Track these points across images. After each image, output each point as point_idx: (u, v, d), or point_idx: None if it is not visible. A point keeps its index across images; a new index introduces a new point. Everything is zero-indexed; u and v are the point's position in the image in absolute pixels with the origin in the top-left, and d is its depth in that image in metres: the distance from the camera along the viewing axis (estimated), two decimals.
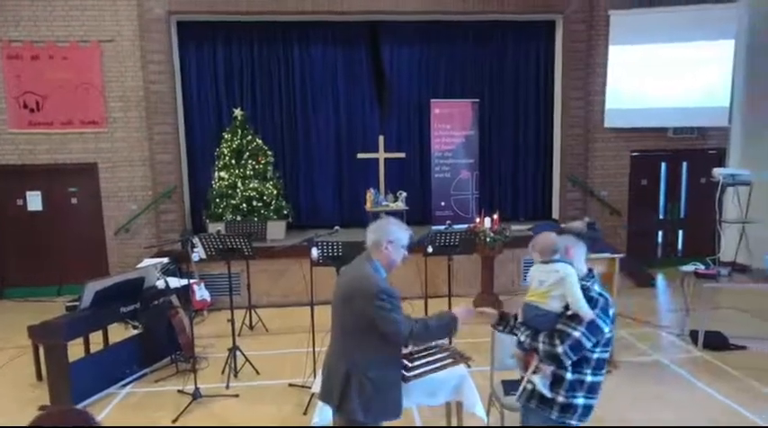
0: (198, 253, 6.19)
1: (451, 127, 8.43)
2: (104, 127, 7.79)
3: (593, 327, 2.45)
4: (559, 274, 2.53)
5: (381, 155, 8.10)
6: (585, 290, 2.53)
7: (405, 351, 2.99)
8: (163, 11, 7.64)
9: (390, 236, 2.63)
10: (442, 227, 5.86)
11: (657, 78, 8.20)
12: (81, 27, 7.63)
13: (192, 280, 6.12)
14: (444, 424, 3.72)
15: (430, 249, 5.24)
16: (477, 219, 6.97)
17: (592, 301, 2.49)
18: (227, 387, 4.71)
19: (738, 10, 8.03)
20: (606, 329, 2.49)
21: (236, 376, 4.93)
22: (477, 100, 8.59)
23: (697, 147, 8.68)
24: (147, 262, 6.24)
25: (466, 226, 6.84)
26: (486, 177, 8.95)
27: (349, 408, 2.54)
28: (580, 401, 2.51)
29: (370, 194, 7.89)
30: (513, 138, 9.06)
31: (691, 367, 4.98)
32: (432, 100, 8.46)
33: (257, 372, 5.02)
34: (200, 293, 6.64)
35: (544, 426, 2.59)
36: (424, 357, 3.19)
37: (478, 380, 3.95)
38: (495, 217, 6.77)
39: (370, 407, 2.54)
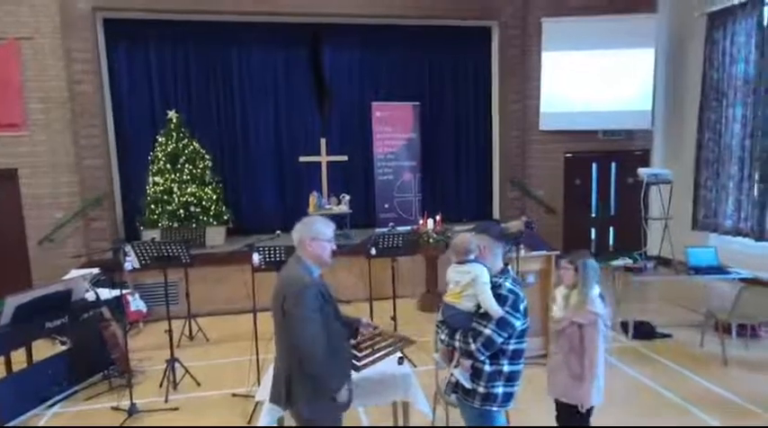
0: (131, 261, 5.88)
1: (393, 129, 8.50)
2: (24, 130, 7.27)
3: (502, 324, 2.61)
4: (470, 275, 2.66)
5: (324, 158, 8.04)
6: (497, 288, 2.66)
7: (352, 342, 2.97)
8: (87, 7, 7.23)
9: (311, 233, 2.63)
10: (386, 229, 5.88)
11: (587, 83, 8.62)
12: None
13: (125, 291, 5.83)
14: (391, 424, 3.72)
15: (373, 251, 5.25)
16: (421, 221, 7.06)
17: (501, 299, 2.63)
18: (166, 400, 4.51)
19: (657, 20, 8.61)
20: (517, 323, 2.64)
21: (175, 388, 4.72)
22: (418, 103, 8.71)
23: (624, 148, 9.19)
24: (75, 273, 5.88)
25: (409, 227, 6.90)
26: (429, 179, 9.09)
27: (296, 407, 2.58)
28: (500, 390, 2.69)
29: (313, 198, 7.81)
30: (455, 141, 9.26)
31: (622, 355, 5.24)
32: (373, 103, 8.49)
33: (198, 384, 4.83)
34: (135, 304, 6.33)
35: (487, 427, 2.73)
36: (371, 346, 3.18)
37: (424, 379, 4.00)
38: (438, 218, 6.89)
39: (315, 404, 2.56)
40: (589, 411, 3.01)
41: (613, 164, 9.34)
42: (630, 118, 8.72)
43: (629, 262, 6.05)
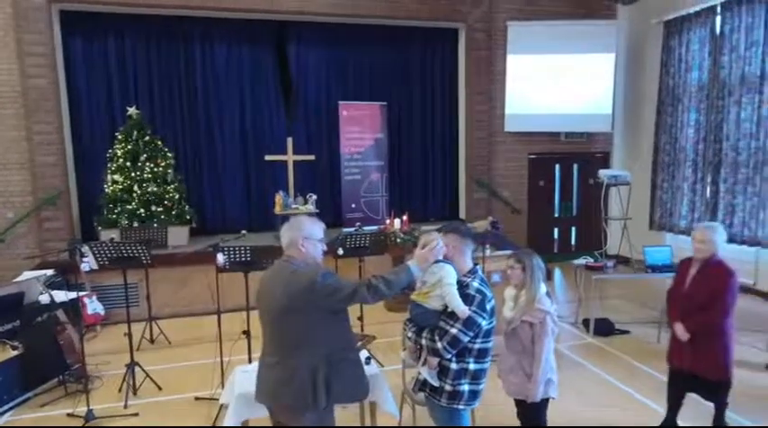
0: (88, 262, 5.66)
1: (361, 129, 8.49)
2: None
3: (469, 323, 2.63)
4: (437, 276, 2.68)
5: (290, 157, 7.94)
6: (465, 287, 2.69)
7: None
8: None
9: (304, 232, 2.61)
10: (353, 229, 5.86)
11: (551, 86, 8.82)
12: None
13: (82, 293, 5.61)
14: (358, 424, 3.70)
15: (340, 251, 5.22)
16: (388, 221, 7.07)
17: (468, 298, 2.65)
18: (125, 406, 4.36)
19: (617, 27, 8.89)
20: (483, 323, 2.67)
21: (134, 393, 4.57)
22: (386, 103, 8.72)
23: (586, 150, 9.45)
24: (28, 274, 5.62)
25: (376, 227, 6.90)
26: (396, 179, 9.12)
27: (319, 403, 2.49)
28: (465, 388, 2.72)
29: (279, 197, 7.71)
30: (422, 141, 9.32)
31: (583, 352, 5.38)
32: (340, 102, 8.46)
33: (159, 388, 4.69)
34: (92, 306, 6.09)
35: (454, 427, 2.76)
36: None
37: (392, 379, 4.00)
38: (405, 218, 6.91)
39: (336, 394, 2.54)
40: (544, 404, 3.07)
41: (575, 166, 9.59)
42: (591, 121, 8.97)
43: (590, 260, 6.21)
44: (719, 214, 7.34)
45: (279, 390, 2.56)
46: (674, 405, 3.70)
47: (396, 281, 2.53)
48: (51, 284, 5.52)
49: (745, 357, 5.08)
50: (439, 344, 2.64)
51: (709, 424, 3.61)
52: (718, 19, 7.34)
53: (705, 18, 7.52)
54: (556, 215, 9.67)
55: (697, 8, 7.52)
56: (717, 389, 3.46)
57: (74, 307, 5.11)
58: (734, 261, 7.26)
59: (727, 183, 7.23)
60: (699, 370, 3.44)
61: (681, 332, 3.45)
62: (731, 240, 7.16)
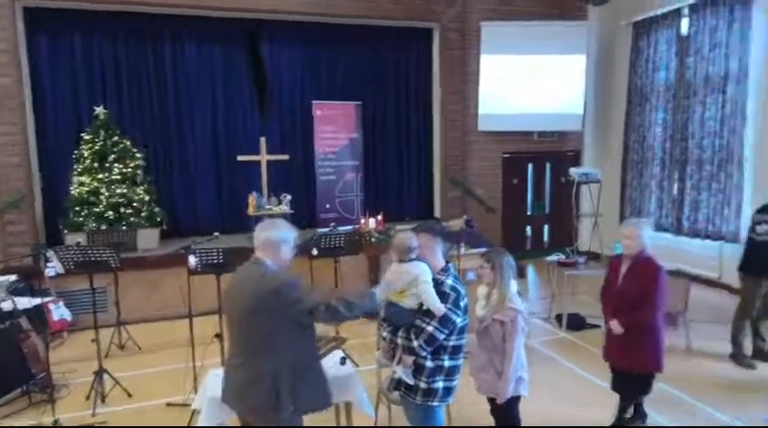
0: (53, 267, 5.49)
1: (335, 129, 8.44)
2: None
3: (444, 321, 2.67)
4: (411, 275, 2.71)
5: (263, 157, 7.83)
6: (439, 285, 2.72)
7: None
8: None
9: (283, 235, 2.63)
10: (327, 230, 5.82)
11: (523, 86, 8.92)
12: None
13: (46, 299, 5.43)
14: (334, 424, 3.68)
15: (315, 251, 5.18)
16: (362, 220, 7.05)
17: (444, 296, 2.69)
18: (93, 414, 4.24)
19: (588, 28, 9.04)
20: (458, 320, 2.72)
21: (103, 401, 4.45)
22: (360, 102, 8.69)
23: (558, 149, 9.59)
24: None
25: (351, 227, 6.88)
26: (371, 179, 9.09)
27: (283, 412, 2.47)
28: (440, 385, 2.75)
29: (253, 198, 7.60)
30: (396, 140, 9.31)
31: (556, 347, 5.46)
32: (314, 101, 8.39)
33: (129, 395, 4.57)
34: (59, 312, 5.89)
35: (429, 427, 2.80)
36: None
37: (367, 379, 3.98)
38: (380, 217, 6.90)
39: (301, 402, 2.52)
40: (515, 402, 3.10)
41: (548, 165, 9.72)
42: (563, 120, 9.11)
43: (562, 257, 6.31)
44: (686, 210, 7.54)
45: (245, 391, 2.56)
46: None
47: (358, 305, 2.56)
48: (14, 290, 5.34)
49: (711, 349, 5.23)
50: (415, 343, 2.67)
51: (689, 421, 3.67)
52: (684, 21, 7.54)
53: (672, 20, 7.72)
54: (529, 213, 9.79)
55: (664, 10, 7.71)
56: (635, 380, 3.54)
57: (38, 314, 4.93)
58: (699, 255, 7.52)
59: (693, 180, 7.43)
60: (627, 366, 3.52)
61: (616, 327, 3.51)
62: (696, 235, 7.38)
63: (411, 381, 2.74)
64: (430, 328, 2.66)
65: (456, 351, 2.77)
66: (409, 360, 2.74)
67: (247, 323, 2.53)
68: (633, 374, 3.56)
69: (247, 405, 2.60)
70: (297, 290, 2.49)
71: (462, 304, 2.73)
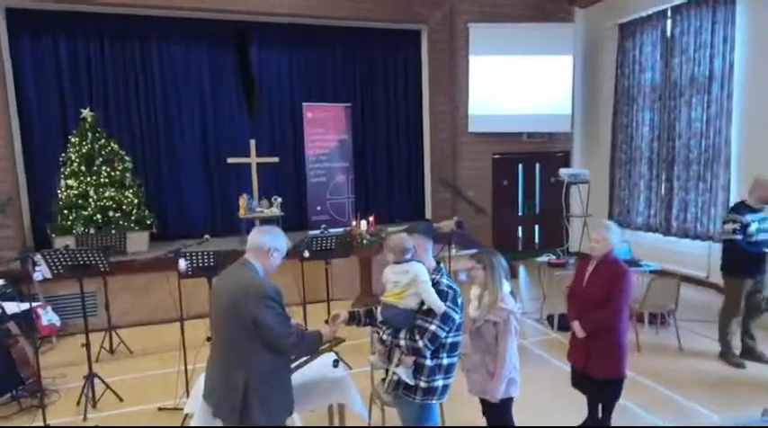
0: (41, 271, 5.43)
1: (325, 131, 8.43)
2: None
3: (445, 318, 2.72)
4: (410, 275, 2.73)
5: (253, 159, 7.82)
6: (436, 284, 2.76)
7: None
8: None
9: (276, 244, 2.66)
10: (318, 232, 5.82)
11: (512, 87, 8.98)
12: None
13: (35, 304, 5.36)
14: (327, 425, 3.68)
15: (306, 254, 5.16)
16: (354, 222, 7.04)
17: (442, 294, 2.73)
18: (85, 419, 4.20)
19: (574, 29, 9.12)
20: (457, 317, 2.77)
21: (94, 406, 4.41)
22: (350, 104, 8.70)
23: (547, 149, 9.66)
24: None
25: (342, 229, 6.87)
26: (362, 180, 9.10)
27: (251, 419, 2.49)
28: (439, 383, 2.80)
29: (244, 200, 7.58)
30: (386, 142, 9.33)
31: (547, 347, 5.50)
32: (304, 103, 8.38)
33: (120, 399, 4.53)
34: (47, 317, 5.82)
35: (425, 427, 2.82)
36: None
37: (360, 381, 3.99)
38: (371, 219, 6.90)
39: (271, 409, 2.53)
40: (508, 404, 3.12)
41: (537, 165, 9.79)
42: (552, 121, 9.18)
43: (552, 258, 6.35)
44: (674, 210, 7.63)
45: (217, 389, 2.60)
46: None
47: (301, 349, 2.70)
48: (2, 295, 5.27)
49: (699, 347, 5.30)
50: (420, 343, 2.69)
51: (679, 423, 3.67)
52: (669, 22, 7.64)
53: (657, 21, 7.81)
54: (519, 214, 9.85)
55: (649, 11, 7.81)
56: (605, 387, 3.44)
57: (27, 319, 4.86)
58: (688, 255, 7.60)
59: (681, 180, 7.52)
60: (589, 369, 3.42)
61: (578, 330, 3.48)
62: (685, 235, 7.47)
63: (412, 382, 2.75)
64: (433, 327, 2.69)
65: (453, 348, 2.82)
66: (409, 360, 2.75)
67: (224, 322, 2.56)
68: (596, 380, 3.43)
69: (219, 405, 2.62)
70: (270, 311, 2.46)
71: (459, 301, 2.80)
